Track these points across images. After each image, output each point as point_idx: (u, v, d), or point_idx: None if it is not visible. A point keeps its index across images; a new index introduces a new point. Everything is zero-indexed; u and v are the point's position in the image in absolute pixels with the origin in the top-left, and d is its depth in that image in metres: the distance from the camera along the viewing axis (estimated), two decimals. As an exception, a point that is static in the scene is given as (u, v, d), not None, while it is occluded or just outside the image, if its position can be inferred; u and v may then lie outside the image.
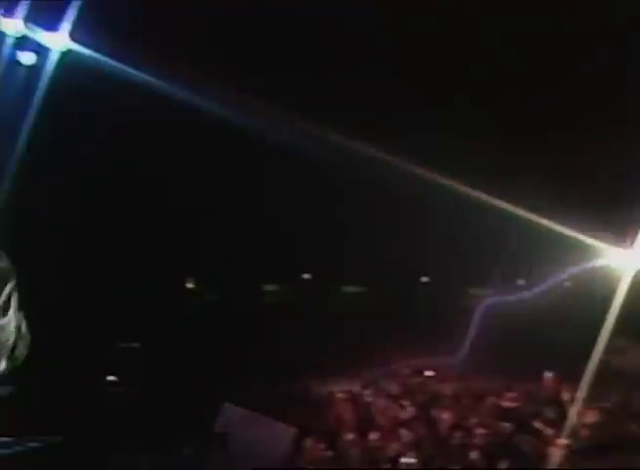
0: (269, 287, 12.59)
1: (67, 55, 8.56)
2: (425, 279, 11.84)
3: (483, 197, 9.81)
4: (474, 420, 8.35)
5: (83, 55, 8.49)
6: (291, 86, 8.60)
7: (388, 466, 8.30)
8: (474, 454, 7.62)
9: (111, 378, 11.29)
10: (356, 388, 10.16)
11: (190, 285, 12.39)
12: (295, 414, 10.02)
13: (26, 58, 8.62)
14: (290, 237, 10.96)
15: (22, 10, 8.39)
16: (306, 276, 12.27)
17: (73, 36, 8.52)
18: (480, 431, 7.91)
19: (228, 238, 10.79)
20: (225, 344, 11.03)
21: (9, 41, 8.48)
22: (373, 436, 8.80)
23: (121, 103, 8.35)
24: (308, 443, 8.96)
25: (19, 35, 8.44)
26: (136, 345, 10.60)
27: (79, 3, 8.14)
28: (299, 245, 11.18)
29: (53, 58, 8.61)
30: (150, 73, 8.40)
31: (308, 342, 11.06)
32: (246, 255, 11.21)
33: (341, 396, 9.86)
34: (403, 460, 7.96)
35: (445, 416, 8.64)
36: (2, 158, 8.76)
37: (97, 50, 8.44)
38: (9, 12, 8.43)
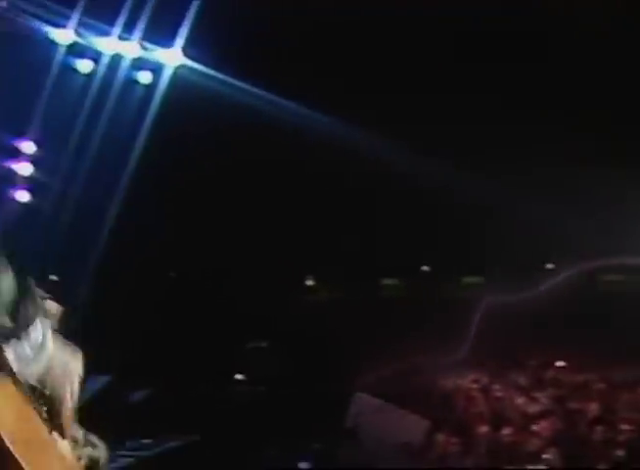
0: (388, 281, 12.54)
1: (180, 71, 8.75)
2: (550, 266, 11.48)
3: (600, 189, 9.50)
4: (617, 415, 7.99)
5: (197, 71, 8.67)
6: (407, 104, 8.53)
7: (525, 462, 8.10)
8: (620, 452, 7.31)
9: (239, 377, 11.58)
10: (484, 380, 9.94)
11: (309, 282, 12.50)
12: (422, 407, 9.94)
13: (143, 77, 8.88)
14: (407, 229, 10.87)
15: (137, 30, 8.65)
16: (425, 268, 12.15)
17: (187, 53, 8.70)
18: (625, 427, 7.57)
19: (345, 233, 10.82)
20: (347, 339, 11.07)
21: (126, 62, 8.76)
22: (507, 430, 8.60)
23: (234, 118, 8.49)
24: (440, 436, 8.86)
25: (135, 56, 8.71)
26: (263, 344, 10.81)
27: (192, 20, 8.30)
28: (417, 237, 11.07)
29: (167, 75, 8.82)
30: (264, 90, 8.50)
31: (430, 334, 10.95)
32: (363, 249, 11.21)
33: (470, 388, 9.69)
34: (543, 457, 7.73)
35: (585, 410, 8.32)
36: (120, 176, 9.08)
37: (210, 66, 8.60)
38: (125, 34, 8.72)
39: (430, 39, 8.61)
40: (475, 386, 9.86)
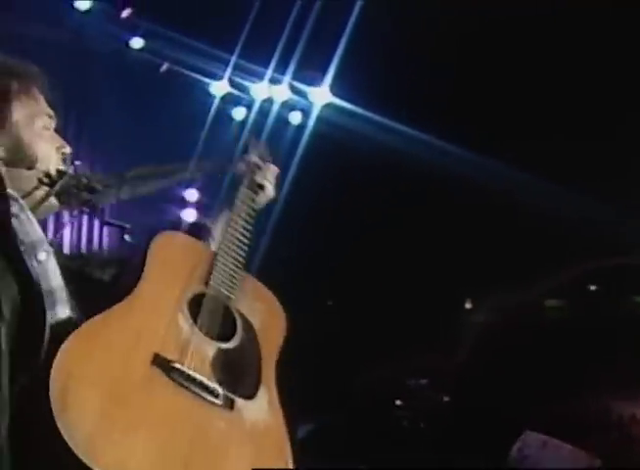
0: (551, 302, 12.01)
1: (328, 110, 8.85)
2: None
3: None
4: None
5: (345, 110, 8.73)
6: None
7: None
8: None
9: (398, 403, 11.48)
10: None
11: (468, 305, 12.20)
12: (592, 441, 9.36)
13: (295, 117, 9.09)
14: (571, 247, 10.42)
15: (287, 72, 8.87)
16: (592, 288, 11.49)
17: (335, 91, 8.78)
18: None
19: (505, 254, 10.53)
20: (511, 365, 10.71)
21: (276, 105, 9.01)
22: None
23: (385, 156, 8.47)
24: (616, 477, 8.30)
25: (285, 98, 8.93)
26: (424, 381, 10.66)
27: (340, 57, 8.37)
28: (581, 254, 10.57)
29: (315, 114, 8.97)
30: (417, 130, 8.44)
31: (600, 358, 10.36)
32: (525, 270, 10.84)
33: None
34: None
35: None
36: (274, 211, 9.32)
37: (359, 105, 8.63)
38: (275, 76, 8.95)
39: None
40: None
